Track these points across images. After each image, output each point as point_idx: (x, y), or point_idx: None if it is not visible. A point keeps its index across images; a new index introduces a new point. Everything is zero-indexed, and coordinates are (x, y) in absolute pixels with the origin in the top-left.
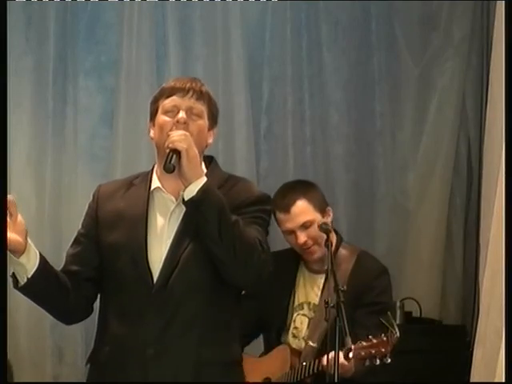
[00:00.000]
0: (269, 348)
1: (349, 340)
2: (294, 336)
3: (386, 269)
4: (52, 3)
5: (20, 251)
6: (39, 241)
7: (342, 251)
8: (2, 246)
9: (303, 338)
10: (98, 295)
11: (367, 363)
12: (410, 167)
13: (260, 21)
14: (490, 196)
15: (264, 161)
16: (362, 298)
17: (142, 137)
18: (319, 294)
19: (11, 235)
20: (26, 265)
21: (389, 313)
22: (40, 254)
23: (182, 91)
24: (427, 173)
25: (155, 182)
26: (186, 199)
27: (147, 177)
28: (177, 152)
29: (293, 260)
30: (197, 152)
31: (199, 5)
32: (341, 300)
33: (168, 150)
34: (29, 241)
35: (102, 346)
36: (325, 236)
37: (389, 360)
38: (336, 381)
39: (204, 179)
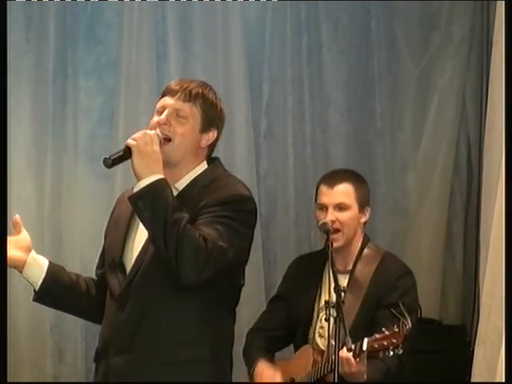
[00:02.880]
0: (297, 349)
1: (349, 340)
2: (320, 335)
3: (409, 270)
4: (52, 3)
5: (19, 266)
6: (39, 241)
7: (367, 252)
8: (2, 246)
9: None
10: None
11: (380, 355)
12: (409, 167)
13: (260, 21)
14: (490, 196)
15: (264, 161)
16: (385, 299)
17: None
18: (342, 293)
19: (12, 252)
20: (30, 278)
21: (400, 303)
22: (50, 264)
23: (172, 92)
24: (427, 173)
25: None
26: (131, 194)
27: None
28: (129, 149)
29: (320, 260)
30: (155, 150)
31: (199, 5)
32: (341, 300)
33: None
34: (32, 254)
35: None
36: (354, 230)
37: (401, 351)
38: (336, 381)
39: (155, 177)
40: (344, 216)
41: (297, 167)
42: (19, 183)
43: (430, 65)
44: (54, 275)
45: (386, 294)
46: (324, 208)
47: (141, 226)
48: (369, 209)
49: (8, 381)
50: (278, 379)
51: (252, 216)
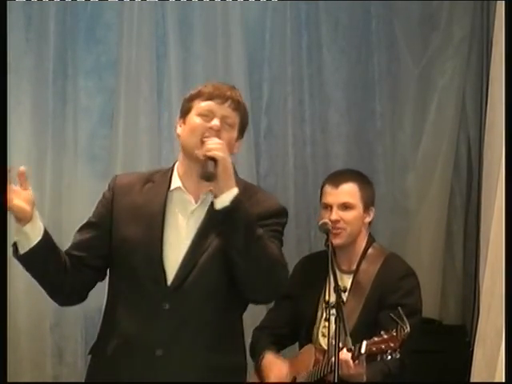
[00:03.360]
0: (301, 348)
1: (349, 340)
2: (324, 335)
3: (412, 271)
4: (52, 3)
5: (26, 219)
6: None
7: (371, 252)
8: (2, 246)
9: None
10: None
11: (378, 359)
12: (409, 167)
13: (260, 21)
14: (490, 196)
15: (264, 161)
16: (387, 300)
17: (142, 137)
18: (346, 293)
19: (19, 202)
20: (30, 234)
21: (399, 308)
22: (45, 229)
23: (220, 98)
24: (427, 173)
25: (176, 182)
26: (218, 208)
27: (167, 174)
28: (214, 160)
29: (325, 261)
30: (230, 162)
31: (199, 5)
32: (341, 300)
33: (204, 158)
34: (35, 213)
35: (109, 339)
36: (358, 229)
37: (398, 355)
38: (336, 381)
39: (236, 190)
40: (348, 215)
41: (297, 167)
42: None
43: (430, 65)
44: (49, 237)
45: (388, 295)
46: (328, 207)
47: (178, 223)
48: (373, 209)
49: (8, 381)
50: (286, 370)
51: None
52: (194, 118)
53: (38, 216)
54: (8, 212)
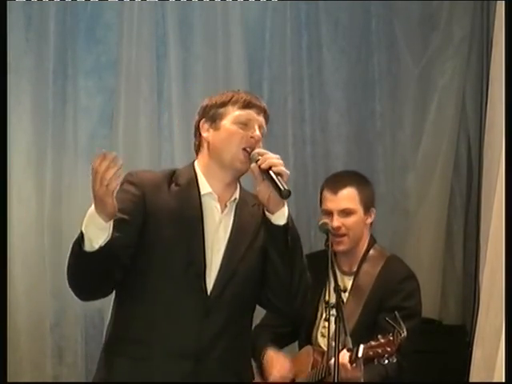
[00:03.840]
0: (300, 348)
1: (349, 340)
2: (323, 335)
3: (413, 273)
4: (52, 3)
5: (112, 216)
6: (39, 241)
7: (372, 253)
8: (2, 246)
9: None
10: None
11: (375, 363)
12: (409, 167)
13: (260, 21)
14: (490, 196)
15: None
16: (387, 302)
17: (142, 137)
18: (347, 294)
19: (112, 199)
20: (108, 231)
21: (396, 312)
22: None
23: (258, 108)
24: (427, 173)
25: (205, 187)
26: (277, 224)
27: (191, 177)
28: (281, 176)
29: (325, 260)
30: None
31: (199, 5)
32: (341, 300)
33: (268, 173)
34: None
35: (131, 340)
36: (360, 232)
37: (395, 360)
38: (336, 380)
39: (287, 207)
40: (349, 221)
41: (297, 167)
42: (19, 183)
43: (430, 65)
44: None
45: (388, 297)
46: (329, 214)
47: (208, 230)
48: (374, 209)
49: (8, 381)
50: (288, 365)
51: None
52: (232, 126)
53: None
54: (8, 212)
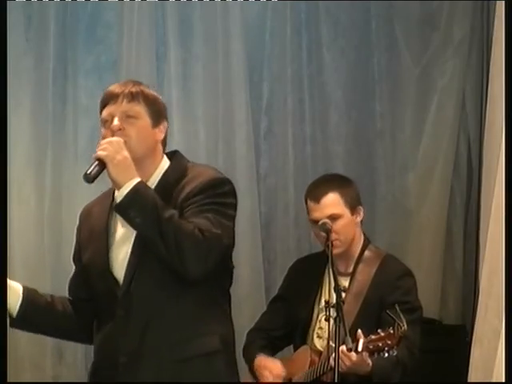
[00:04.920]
0: (296, 349)
1: (349, 340)
2: (319, 336)
3: (410, 271)
4: (52, 3)
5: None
6: (39, 241)
7: (368, 253)
8: (2, 245)
9: (327, 338)
10: None
11: (375, 356)
12: (409, 167)
13: (260, 21)
14: (490, 196)
15: (264, 161)
16: (387, 299)
17: None
18: (344, 295)
19: None
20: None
21: (396, 306)
22: (24, 288)
23: (113, 98)
24: (427, 173)
25: (117, 192)
26: (117, 203)
27: (112, 188)
28: (101, 161)
29: (320, 263)
30: (126, 155)
31: (199, 5)
32: (341, 300)
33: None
34: (8, 282)
35: (93, 359)
36: (351, 233)
37: (395, 352)
38: (336, 380)
39: (134, 181)
40: (338, 225)
41: (297, 167)
42: (19, 183)
43: (430, 65)
44: (31, 299)
45: (388, 294)
46: (317, 223)
47: (121, 231)
48: (361, 208)
49: (8, 381)
50: (280, 367)
51: (232, 196)
52: (101, 130)
53: (8, 282)
54: (8, 212)
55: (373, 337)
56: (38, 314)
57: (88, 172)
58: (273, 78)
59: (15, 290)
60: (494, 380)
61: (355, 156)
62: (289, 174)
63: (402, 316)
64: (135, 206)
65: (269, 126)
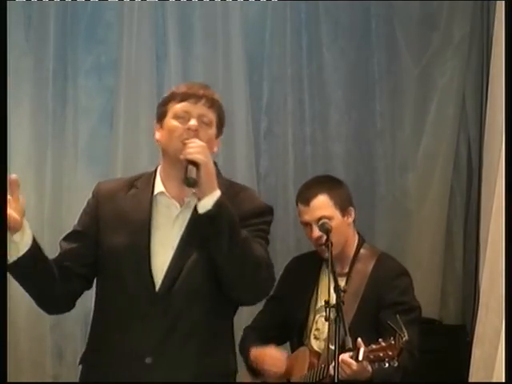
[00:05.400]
0: (293, 351)
1: (349, 340)
2: (316, 338)
3: (405, 270)
4: (52, 3)
5: (16, 229)
6: (39, 241)
7: (363, 252)
8: (2, 245)
9: (324, 339)
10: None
11: (376, 366)
12: (409, 167)
13: (260, 21)
14: (490, 196)
15: (264, 161)
16: (384, 299)
17: (142, 137)
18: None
19: (9, 211)
20: (19, 243)
21: (397, 316)
22: (34, 238)
23: (194, 97)
24: (427, 173)
25: (159, 186)
26: (201, 212)
27: (150, 179)
28: (196, 164)
29: (316, 262)
30: (212, 164)
31: (199, 5)
32: (341, 300)
33: (186, 162)
34: (25, 222)
35: (99, 349)
36: (343, 235)
37: (396, 363)
38: (336, 381)
39: (218, 193)
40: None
41: (297, 167)
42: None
43: (430, 65)
44: (38, 247)
45: (385, 294)
46: (308, 225)
47: (163, 229)
48: (352, 208)
49: (8, 381)
50: (280, 356)
51: None
52: (171, 122)
53: (27, 225)
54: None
55: (374, 346)
56: (38, 263)
57: (190, 176)
58: (273, 77)
59: (29, 232)
60: (494, 380)
61: (355, 156)
62: (289, 174)
63: (403, 327)
64: (220, 219)
65: (269, 125)
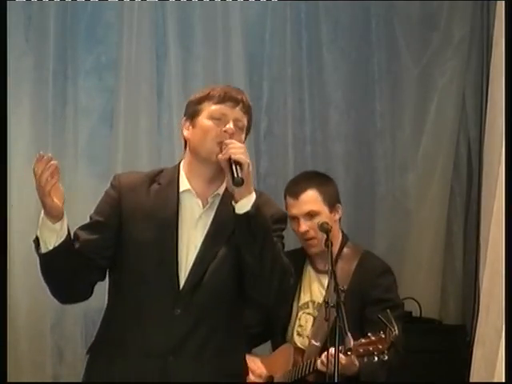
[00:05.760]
0: (275, 347)
1: (350, 339)
2: (299, 334)
3: (389, 268)
4: (52, 3)
5: (58, 217)
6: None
7: (346, 250)
8: (2, 246)
9: (307, 336)
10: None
11: (365, 360)
12: (409, 167)
13: (260, 21)
14: (490, 196)
15: (264, 161)
16: (369, 296)
17: (142, 137)
18: (324, 293)
19: (55, 199)
20: (59, 232)
21: (388, 310)
22: (68, 228)
23: (232, 101)
24: (427, 173)
25: (184, 184)
26: (239, 212)
27: (173, 176)
28: (239, 164)
29: (299, 260)
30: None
31: (199, 5)
32: (341, 300)
33: (227, 162)
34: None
35: (112, 341)
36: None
37: (386, 357)
38: (336, 380)
39: (254, 195)
40: (316, 222)
41: (297, 167)
42: (19, 183)
43: (430, 65)
44: (70, 234)
45: (369, 292)
46: (295, 219)
47: (187, 227)
48: (340, 205)
49: (8, 381)
50: (260, 369)
51: None
52: (206, 122)
53: (65, 214)
54: (8, 212)
55: (363, 340)
56: (70, 255)
57: (239, 176)
58: (273, 77)
59: (66, 225)
60: (495, 380)
61: (355, 156)
62: (289, 174)
63: (393, 321)
64: (257, 220)
65: (269, 126)
